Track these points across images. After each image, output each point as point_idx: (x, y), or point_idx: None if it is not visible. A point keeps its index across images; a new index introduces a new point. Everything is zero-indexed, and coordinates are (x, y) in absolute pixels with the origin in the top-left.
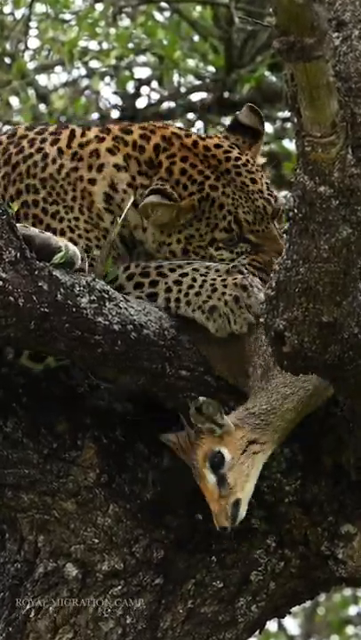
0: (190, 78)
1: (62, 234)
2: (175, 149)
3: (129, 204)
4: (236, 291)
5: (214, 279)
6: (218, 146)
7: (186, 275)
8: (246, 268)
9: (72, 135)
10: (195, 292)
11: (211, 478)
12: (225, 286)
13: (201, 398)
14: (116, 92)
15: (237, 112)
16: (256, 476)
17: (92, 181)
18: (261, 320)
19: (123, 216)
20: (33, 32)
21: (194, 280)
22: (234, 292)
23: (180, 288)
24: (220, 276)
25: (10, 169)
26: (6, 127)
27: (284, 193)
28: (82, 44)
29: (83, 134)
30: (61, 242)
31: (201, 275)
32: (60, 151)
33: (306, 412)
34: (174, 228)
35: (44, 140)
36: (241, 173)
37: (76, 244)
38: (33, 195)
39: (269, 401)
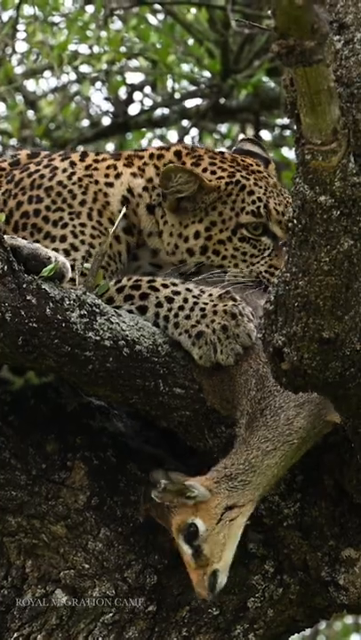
0: (185, 84)
1: (63, 239)
2: (201, 152)
3: (121, 214)
4: (225, 319)
5: (206, 303)
6: (243, 157)
7: (178, 293)
8: (263, 276)
9: (85, 154)
10: (184, 314)
11: (186, 549)
12: (215, 312)
13: (162, 482)
14: (107, 98)
15: (237, 144)
16: (235, 542)
17: (110, 185)
18: (259, 336)
19: (115, 227)
20: (21, 35)
21: (185, 301)
22: (223, 320)
23: (171, 306)
24: (211, 301)
25: (13, 185)
26: None
27: None
28: (72, 47)
29: (97, 154)
30: (51, 253)
31: (193, 296)
32: (73, 163)
33: (294, 461)
34: (195, 215)
35: (52, 159)
36: (271, 176)
37: (76, 249)
38: (35, 204)
39: (248, 459)
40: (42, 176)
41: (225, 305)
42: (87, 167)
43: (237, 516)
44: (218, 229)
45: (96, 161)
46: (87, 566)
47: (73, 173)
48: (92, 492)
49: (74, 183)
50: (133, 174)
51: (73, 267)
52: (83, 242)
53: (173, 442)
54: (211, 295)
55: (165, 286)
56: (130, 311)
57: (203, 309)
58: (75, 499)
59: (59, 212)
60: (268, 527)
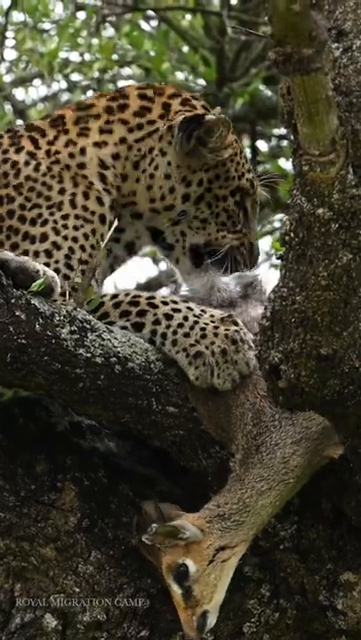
0: None
1: (44, 238)
2: (186, 94)
3: (113, 226)
4: (226, 343)
5: (206, 324)
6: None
7: (178, 311)
8: (237, 252)
9: (34, 138)
10: (183, 332)
11: (176, 589)
12: (216, 335)
13: (153, 528)
14: None
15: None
16: (227, 582)
17: (82, 165)
18: (255, 353)
19: (105, 241)
20: (10, 42)
21: (185, 319)
22: (223, 344)
23: (170, 323)
24: (213, 322)
25: None
26: None
27: (279, 216)
28: (62, 55)
29: (43, 135)
30: (39, 266)
31: (194, 315)
32: (31, 154)
33: (289, 498)
34: (206, 163)
35: (5, 152)
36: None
37: (59, 247)
38: (7, 205)
39: (242, 498)
40: (5, 174)
41: (227, 329)
42: (47, 153)
43: (230, 557)
44: (219, 184)
45: (50, 143)
46: (77, 590)
47: (39, 164)
48: (83, 514)
49: (44, 175)
50: (96, 144)
51: (57, 270)
52: (65, 237)
53: (166, 462)
54: (213, 316)
55: (165, 303)
56: (124, 327)
57: (203, 329)
58: (65, 520)
59: (36, 208)
60: (265, 550)
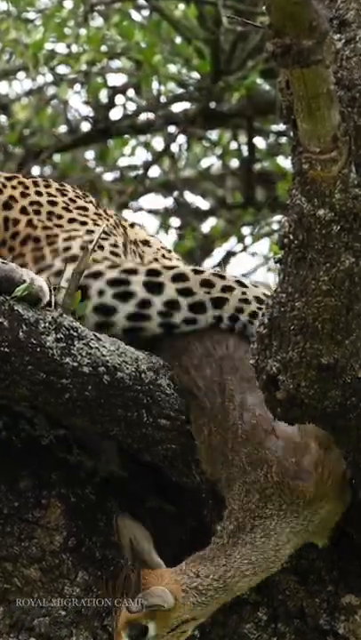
0: (172, 86)
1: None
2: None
3: (100, 230)
4: None
5: None
6: None
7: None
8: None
9: None
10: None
11: None
12: None
13: (140, 601)
14: (86, 102)
15: None
16: None
17: None
18: (252, 362)
19: (94, 244)
20: None
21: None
22: None
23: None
24: None
25: None
26: None
27: (278, 217)
28: (48, 46)
29: None
30: (26, 275)
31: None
32: None
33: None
34: None
35: None
36: None
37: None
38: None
39: (225, 577)
40: None
41: None
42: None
43: (189, 628)
44: None
45: None
46: (63, 613)
47: None
48: (69, 533)
49: None
50: None
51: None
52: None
53: (158, 477)
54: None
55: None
56: (198, 303)
57: None
58: (50, 539)
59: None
60: None
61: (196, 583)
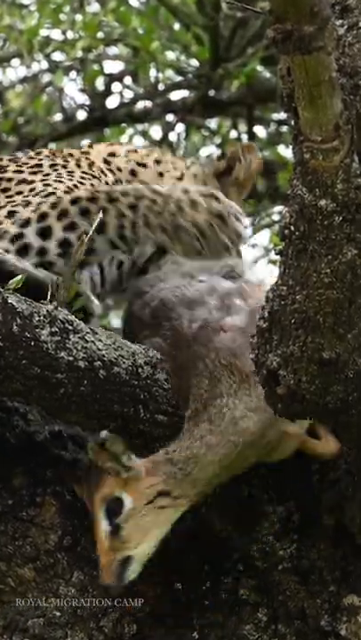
0: (170, 73)
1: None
2: None
3: (98, 219)
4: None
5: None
6: None
7: None
8: None
9: None
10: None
11: (104, 525)
12: None
13: (104, 432)
14: (82, 90)
15: None
16: (160, 535)
17: None
18: (252, 356)
19: (91, 232)
20: None
21: None
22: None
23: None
24: None
25: None
26: None
27: (278, 208)
28: (43, 32)
29: None
30: (20, 264)
31: None
32: None
33: (235, 469)
34: None
35: None
36: None
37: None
38: None
39: (191, 447)
40: None
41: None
42: None
43: (170, 507)
44: None
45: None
46: (58, 614)
47: None
48: (64, 532)
49: None
50: None
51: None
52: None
53: None
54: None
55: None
56: None
57: None
58: (45, 538)
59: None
60: (262, 571)
61: (166, 457)
